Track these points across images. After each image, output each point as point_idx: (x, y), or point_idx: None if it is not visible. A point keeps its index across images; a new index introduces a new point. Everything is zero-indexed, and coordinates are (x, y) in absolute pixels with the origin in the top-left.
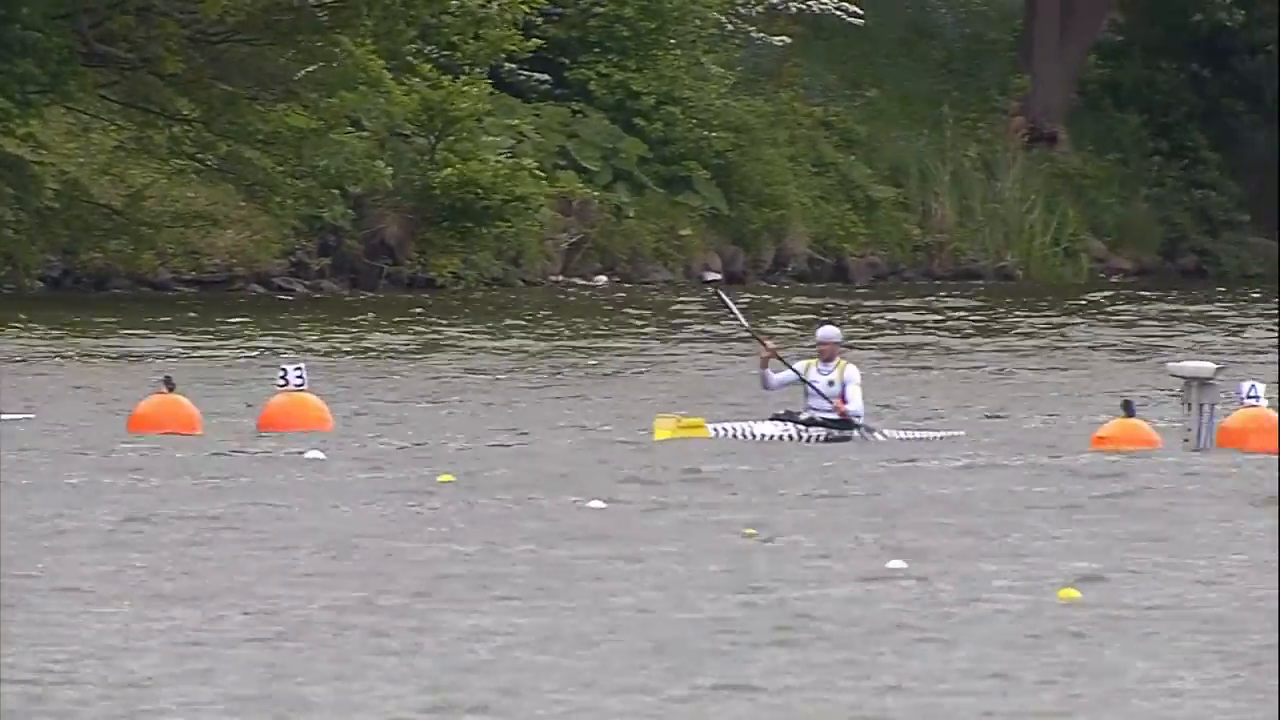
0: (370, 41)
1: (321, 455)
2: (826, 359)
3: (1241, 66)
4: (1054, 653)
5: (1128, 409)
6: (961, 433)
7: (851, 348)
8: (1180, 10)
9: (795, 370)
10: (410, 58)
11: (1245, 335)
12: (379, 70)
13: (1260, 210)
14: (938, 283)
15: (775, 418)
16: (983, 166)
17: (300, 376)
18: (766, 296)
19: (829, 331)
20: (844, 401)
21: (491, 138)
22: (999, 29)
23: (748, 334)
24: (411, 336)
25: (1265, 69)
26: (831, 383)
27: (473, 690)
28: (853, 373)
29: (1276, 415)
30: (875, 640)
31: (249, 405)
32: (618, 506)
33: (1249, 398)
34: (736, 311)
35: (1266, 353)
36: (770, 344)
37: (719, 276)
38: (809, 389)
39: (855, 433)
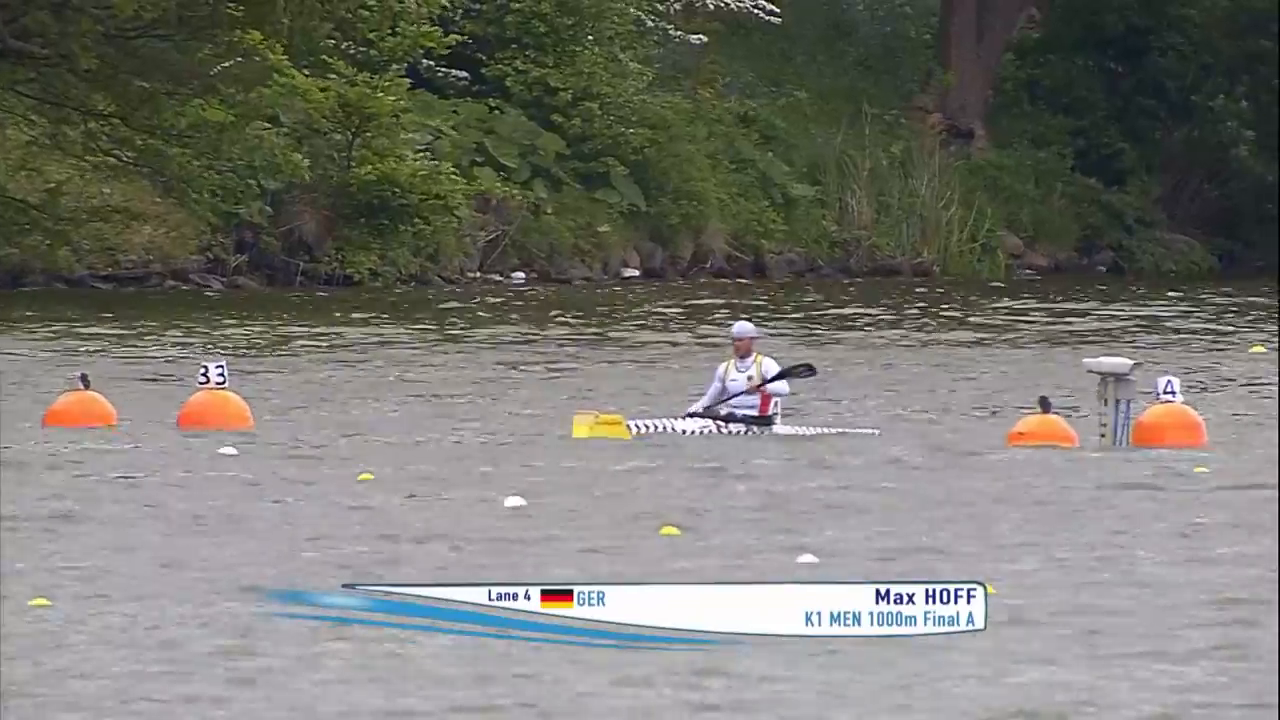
0: (284, 38)
1: (234, 451)
2: (743, 355)
3: (1154, 65)
4: (968, 649)
5: (1044, 405)
6: (878, 431)
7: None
8: (1095, 8)
9: (718, 386)
10: (326, 56)
11: (1163, 332)
12: (289, 70)
13: (1176, 207)
14: (855, 279)
15: (694, 414)
16: (900, 163)
17: (221, 374)
18: (693, 295)
19: (745, 327)
20: (766, 391)
21: (409, 135)
22: (917, 26)
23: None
24: (330, 334)
25: (1176, 67)
26: (750, 378)
27: (400, 684)
28: (770, 366)
29: (1191, 410)
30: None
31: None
32: (536, 503)
33: (1165, 394)
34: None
35: (1189, 347)
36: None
37: (636, 273)
38: (727, 387)
39: (774, 428)
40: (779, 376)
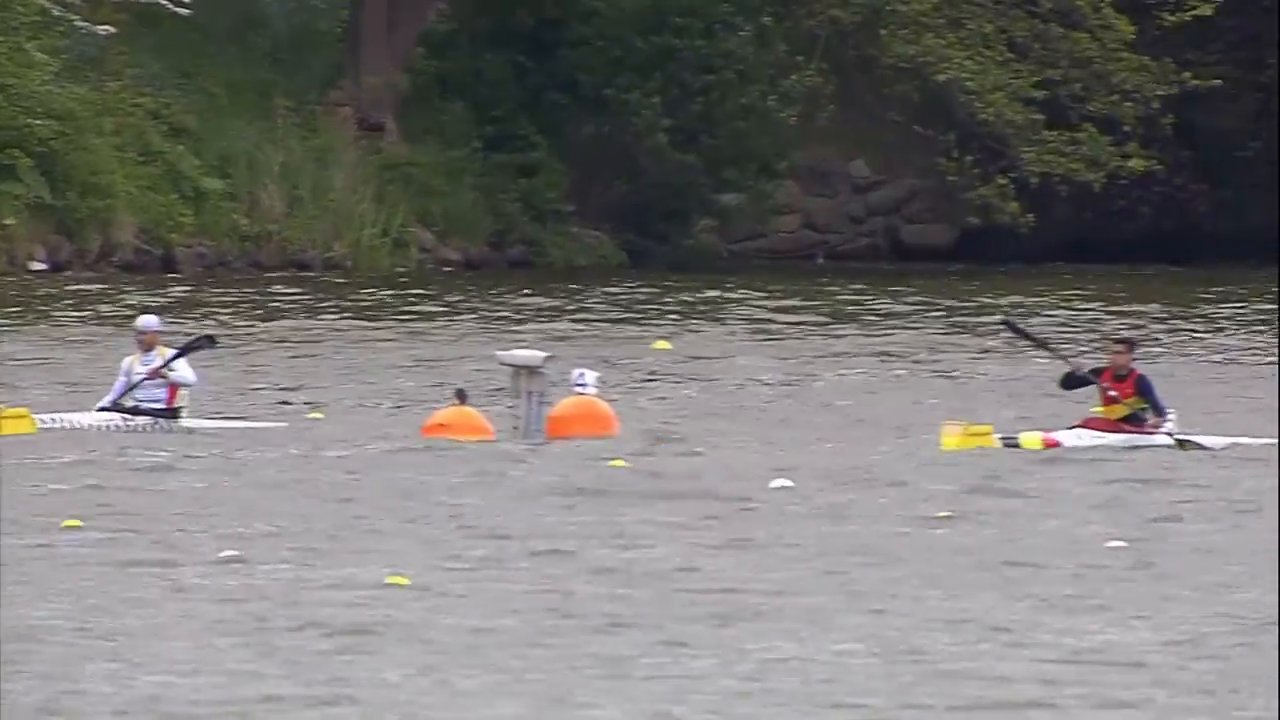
0: None
1: None
2: (147, 349)
3: (565, 59)
4: (373, 644)
5: (460, 397)
6: (286, 424)
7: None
8: (507, 2)
9: (124, 381)
10: None
11: (574, 324)
12: None
13: (586, 202)
14: (267, 273)
15: (103, 408)
16: (315, 158)
17: None
18: (94, 287)
19: (148, 321)
20: (170, 378)
21: None
22: (327, 19)
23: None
24: None
25: (588, 61)
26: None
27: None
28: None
29: (603, 402)
30: (211, 630)
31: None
32: None
33: (577, 385)
34: None
35: (600, 340)
36: None
37: (44, 266)
38: (132, 381)
39: (181, 421)
40: (179, 354)
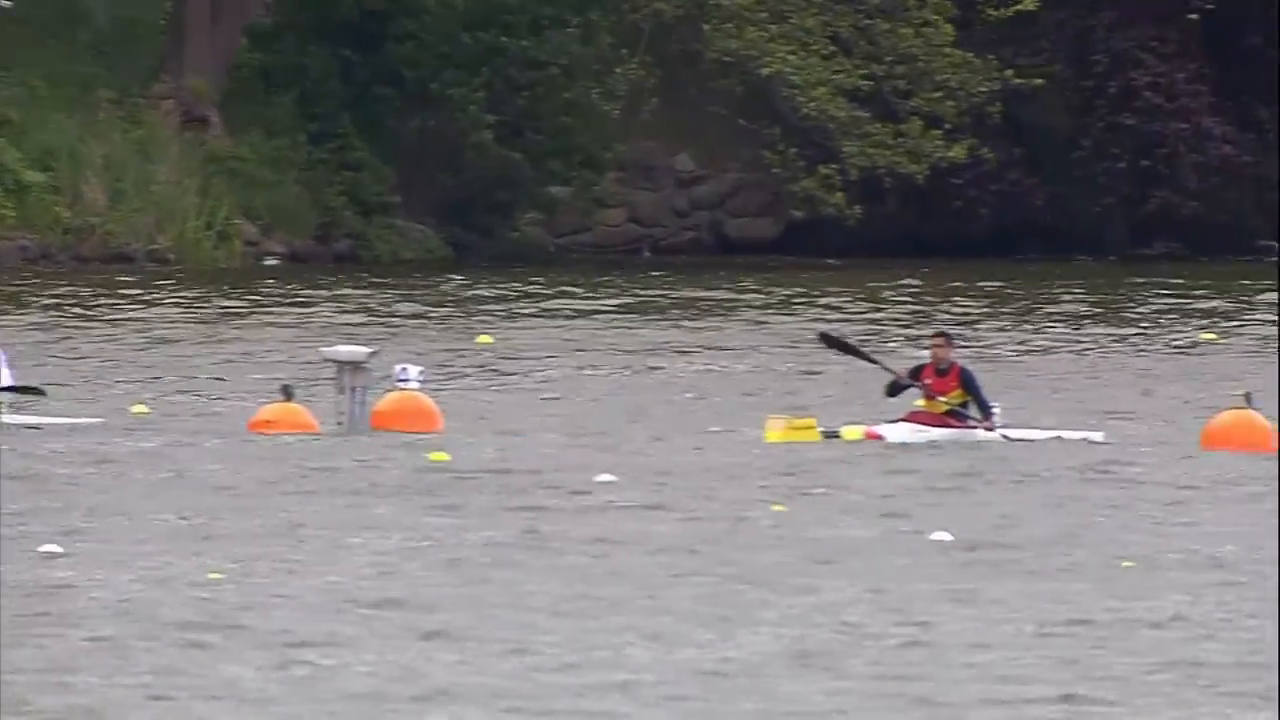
0: None
1: None
2: None
3: (390, 52)
4: (199, 638)
5: (287, 393)
6: (103, 420)
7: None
8: None
9: None
10: None
11: (400, 319)
12: None
13: (411, 195)
14: (90, 266)
15: None
16: (138, 150)
17: None
18: None
19: None
20: None
21: None
22: (150, 12)
23: None
24: None
25: (413, 56)
26: None
27: None
28: None
29: (427, 398)
30: (33, 624)
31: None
32: None
33: (400, 380)
34: None
35: (426, 336)
36: None
37: None
38: None
39: (2, 417)
40: (8, 389)
